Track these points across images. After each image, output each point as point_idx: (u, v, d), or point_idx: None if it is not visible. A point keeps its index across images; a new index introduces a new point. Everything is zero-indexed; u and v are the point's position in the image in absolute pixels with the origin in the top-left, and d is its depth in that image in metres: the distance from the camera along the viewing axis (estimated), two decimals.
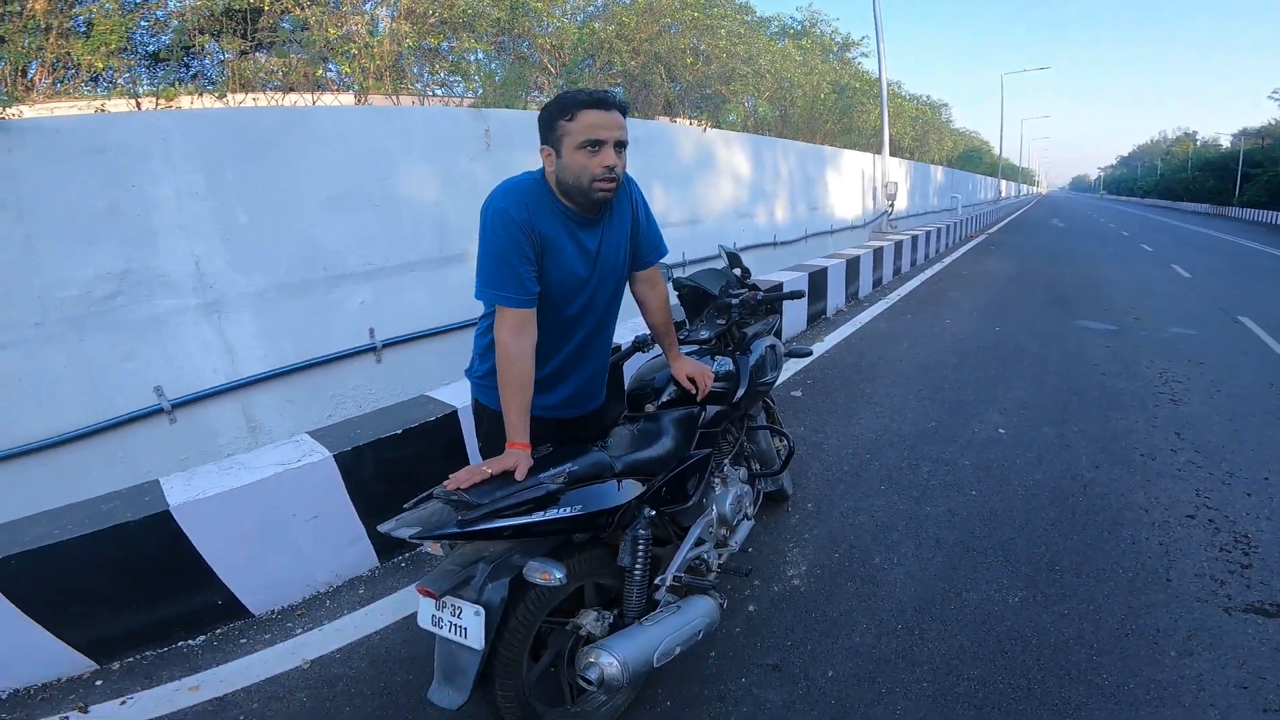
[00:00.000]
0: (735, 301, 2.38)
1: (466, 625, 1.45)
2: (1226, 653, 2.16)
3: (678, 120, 8.48)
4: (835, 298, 7.35)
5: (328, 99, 5.15)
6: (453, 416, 2.76)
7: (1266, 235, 23.00)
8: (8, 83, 4.32)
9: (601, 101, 1.55)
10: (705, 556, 2.11)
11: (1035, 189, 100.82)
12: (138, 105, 4.01)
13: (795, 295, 2.64)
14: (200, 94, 4.70)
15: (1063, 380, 4.96)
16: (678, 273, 2.55)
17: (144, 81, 5.44)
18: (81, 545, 2.06)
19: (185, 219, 3.17)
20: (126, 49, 5.03)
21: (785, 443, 2.69)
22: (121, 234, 2.99)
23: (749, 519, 2.43)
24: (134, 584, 2.21)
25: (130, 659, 2.26)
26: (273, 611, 2.49)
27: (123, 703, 2.09)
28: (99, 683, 2.18)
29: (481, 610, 1.43)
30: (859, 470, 3.47)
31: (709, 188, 7.81)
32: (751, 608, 2.41)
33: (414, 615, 1.80)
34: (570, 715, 1.81)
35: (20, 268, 2.75)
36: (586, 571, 1.74)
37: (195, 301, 3.22)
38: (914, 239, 11.33)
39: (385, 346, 3.97)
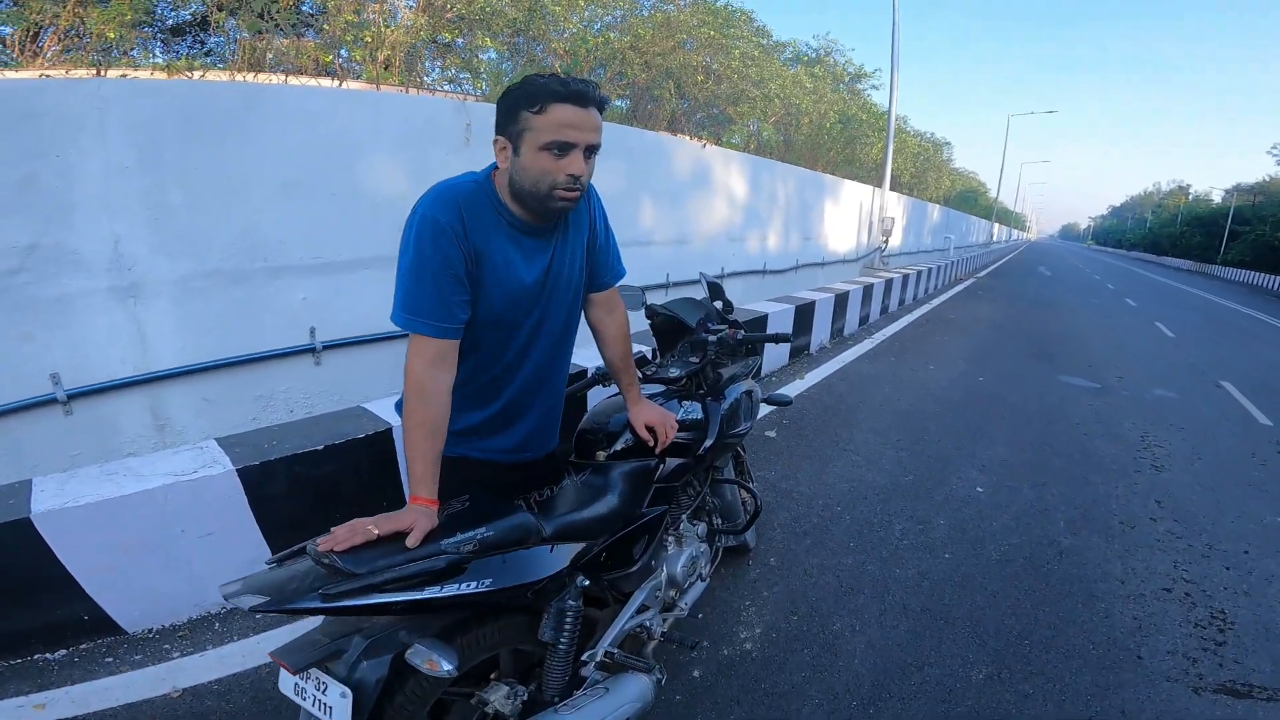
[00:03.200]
0: (713, 339, 2.11)
1: (332, 705, 1.16)
2: None
3: (680, 136, 8.29)
4: (820, 334, 7.16)
5: (326, 84, 4.94)
6: (386, 434, 2.49)
7: (1246, 296, 23.53)
8: (16, 47, 4.14)
9: (579, 96, 1.28)
10: (648, 624, 1.82)
11: (1025, 235, 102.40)
12: (99, 73, 3.75)
13: (781, 339, 2.31)
14: (205, 70, 4.47)
15: (1044, 438, 4.82)
16: (655, 298, 2.27)
17: (157, 55, 5.27)
18: None
19: (110, 196, 2.88)
20: (146, 21, 4.86)
21: (754, 499, 2.39)
22: (35, 207, 2.71)
23: (703, 580, 2.16)
24: None
25: None
26: (150, 630, 2.24)
27: None
28: None
29: (349, 694, 1.15)
30: (828, 524, 3.25)
31: (702, 207, 7.61)
32: (696, 673, 2.18)
33: None
34: None
35: None
36: (497, 642, 1.45)
37: (108, 284, 2.92)
38: (905, 278, 11.23)
39: (326, 348, 3.68)
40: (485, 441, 1.58)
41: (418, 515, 1.26)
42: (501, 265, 1.37)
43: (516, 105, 1.28)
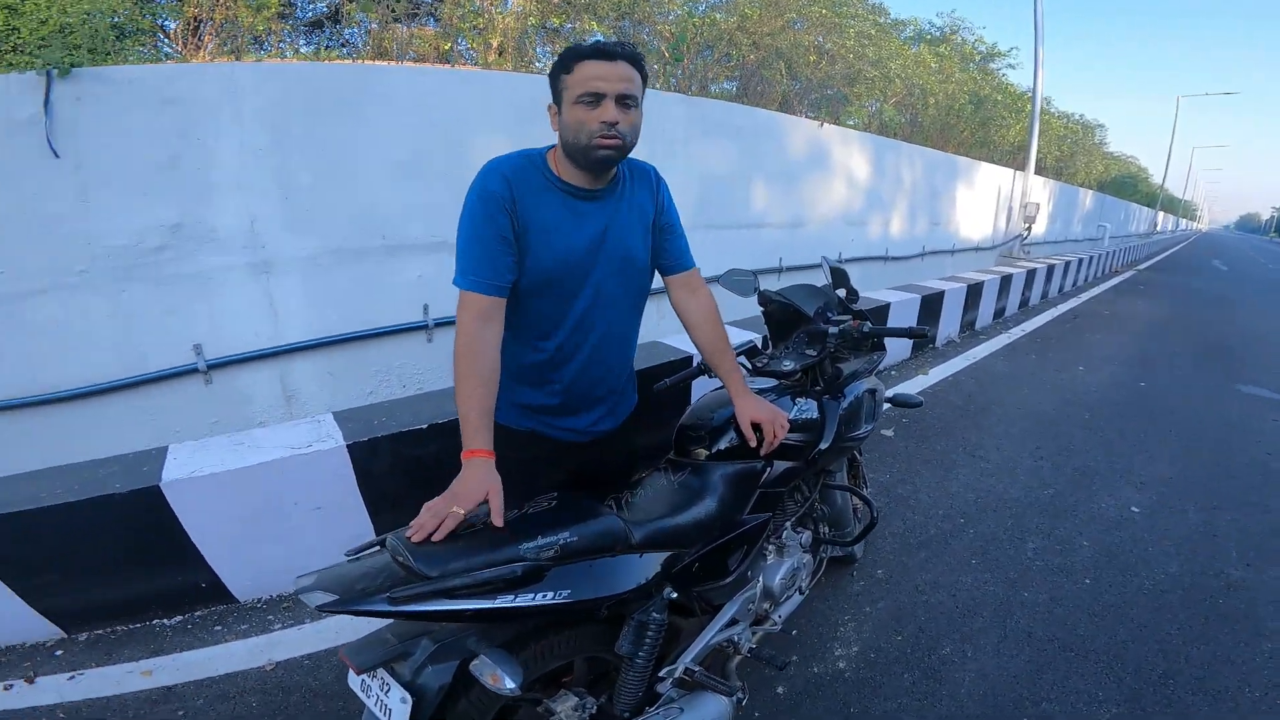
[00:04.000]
0: (834, 330, 1.90)
1: (392, 708, 1.12)
2: None
3: (793, 115, 7.96)
4: (949, 326, 6.62)
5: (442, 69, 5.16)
6: None
7: None
8: (180, 40, 4.53)
9: (603, 51, 1.36)
10: (736, 638, 1.69)
11: (1194, 225, 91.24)
12: (235, 59, 4.06)
13: (916, 334, 1.93)
14: (330, 58, 4.77)
15: (1217, 456, 4.18)
16: (766, 283, 2.10)
17: (300, 47, 5.67)
18: (67, 512, 1.96)
19: (246, 175, 3.08)
20: (285, 14, 5.18)
21: (869, 509, 2.14)
22: (179, 187, 2.93)
23: (801, 593, 1.98)
24: (116, 556, 2.11)
25: (99, 631, 2.18)
26: (259, 600, 2.35)
27: (71, 678, 2.00)
28: (59, 652, 2.11)
29: (409, 699, 1.10)
30: (948, 536, 2.97)
31: (818, 189, 7.23)
32: (779, 689, 2.03)
33: None
34: None
35: (71, 217, 2.72)
36: (571, 651, 1.37)
37: (245, 260, 3.13)
38: (1049, 268, 10.19)
39: (439, 326, 3.77)
40: (555, 419, 1.60)
41: (485, 480, 1.26)
42: (551, 227, 1.43)
43: (556, 72, 1.40)
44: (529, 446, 1.57)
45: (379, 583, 1.09)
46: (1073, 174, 20.98)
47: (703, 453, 1.67)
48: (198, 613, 2.28)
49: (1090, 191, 21.11)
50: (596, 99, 1.34)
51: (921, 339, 2.01)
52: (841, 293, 2.20)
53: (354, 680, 1.21)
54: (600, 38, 6.47)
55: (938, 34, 14.73)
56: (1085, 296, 11.24)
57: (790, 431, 1.69)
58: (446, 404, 2.53)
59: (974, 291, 7.07)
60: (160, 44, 4.65)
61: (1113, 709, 2.04)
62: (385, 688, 1.14)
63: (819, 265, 2.30)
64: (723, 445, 1.66)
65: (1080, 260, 12.51)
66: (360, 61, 4.66)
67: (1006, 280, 8.17)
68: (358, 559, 1.18)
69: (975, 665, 2.19)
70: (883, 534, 2.93)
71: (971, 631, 2.35)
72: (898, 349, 5.77)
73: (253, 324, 3.20)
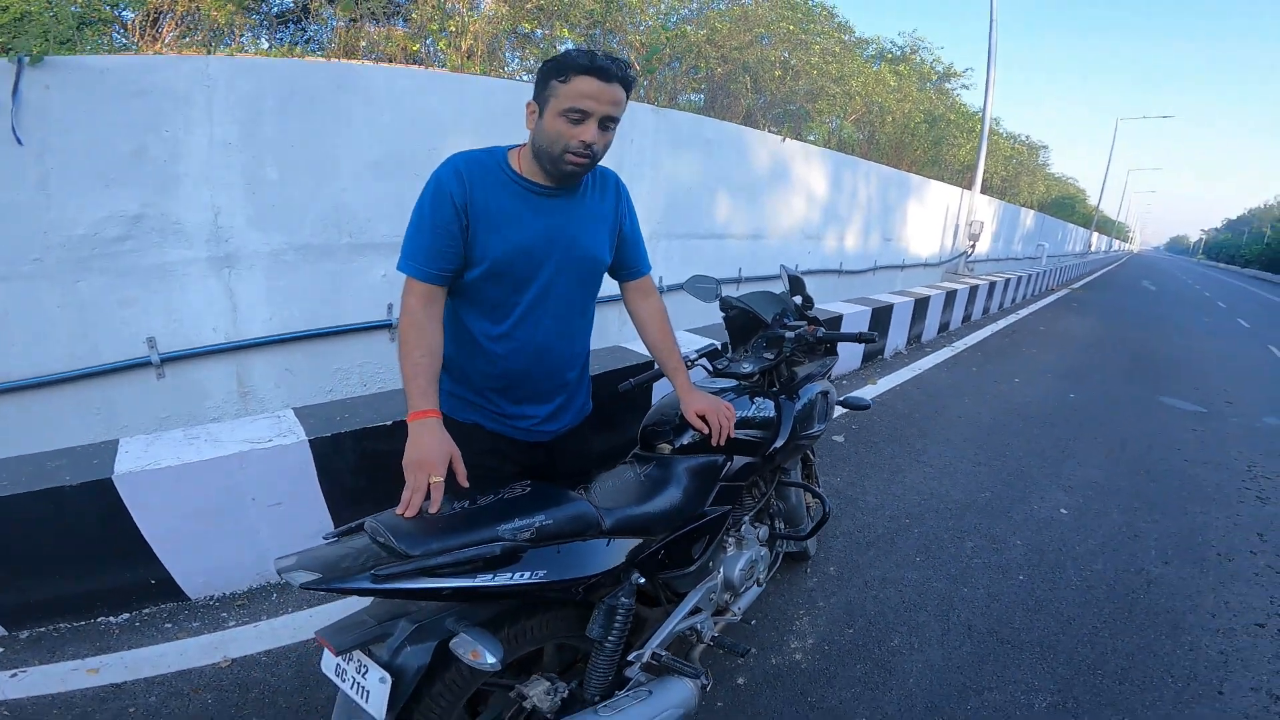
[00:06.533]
0: (790, 335, 2.03)
1: (370, 689, 1.15)
2: None
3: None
4: (896, 338, 6.89)
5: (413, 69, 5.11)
6: None
7: None
8: (137, 31, 4.40)
9: (602, 70, 1.37)
10: (699, 627, 1.77)
11: (1127, 246, 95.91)
12: (207, 52, 3.98)
13: (865, 339, 2.09)
14: (304, 55, 4.69)
15: (1140, 462, 4.47)
16: (729, 291, 2.19)
17: (263, 41, 5.55)
18: (14, 504, 1.90)
19: (213, 169, 3.04)
20: (254, 8, 5.11)
21: (821, 505, 2.28)
22: (143, 178, 2.88)
23: (759, 585, 2.08)
24: (62, 552, 2.05)
25: (43, 629, 2.13)
26: (211, 598, 2.31)
27: (14, 675, 1.95)
28: (0, 650, 2.04)
29: (388, 679, 1.14)
30: (894, 536, 3.11)
31: (779, 202, 7.44)
32: (740, 680, 2.12)
33: None
34: None
35: (30, 205, 2.65)
36: (544, 636, 1.43)
37: (206, 254, 3.08)
38: (991, 285, 10.66)
39: None
40: (500, 409, 1.63)
41: (443, 441, 1.34)
42: (503, 219, 1.47)
43: (549, 74, 1.40)
44: (473, 441, 1.55)
45: (361, 562, 1.13)
46: (1015, 194, 21.85)
47: (667, 447, 1.76)
48: (146, 610, 2.22)
49: (1031, 211, 22.02)
50: (582, 116, 1.38)
51: (870, 343, 2.16)
52: (798, 300, 2.31)
53: (328, 665, 1.24)
54: (571, 44, 6.52)
55: (898, 53, 15.09)
56: (1023, 313, 11.76)
57: (748, 429, 1.80)
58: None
59: (920, 306, 7.36)
60: (114, 35, 4.52)
61: (1048, 697, 2.17)
62: (362, 670, 1.17)
63: (778, 276, 2.42)
64: (685, 440, 1.75)
65: (1020, 278, 13.06)
66: (328, 59, 4.61)
67: (951, 295, 8.51)
68: (337, 541, 1.21)
69: (922, 657, 2.31)
70: (834, 533, 3.06)
71: (917, 624, 2.48)
72: (849, 360, 5.98)
73: (211, 319, 3.15)
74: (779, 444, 1.89)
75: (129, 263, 2.88)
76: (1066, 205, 31.90)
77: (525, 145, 1.51)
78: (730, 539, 1.92)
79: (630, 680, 1.58)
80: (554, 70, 1.39)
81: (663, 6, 8.01)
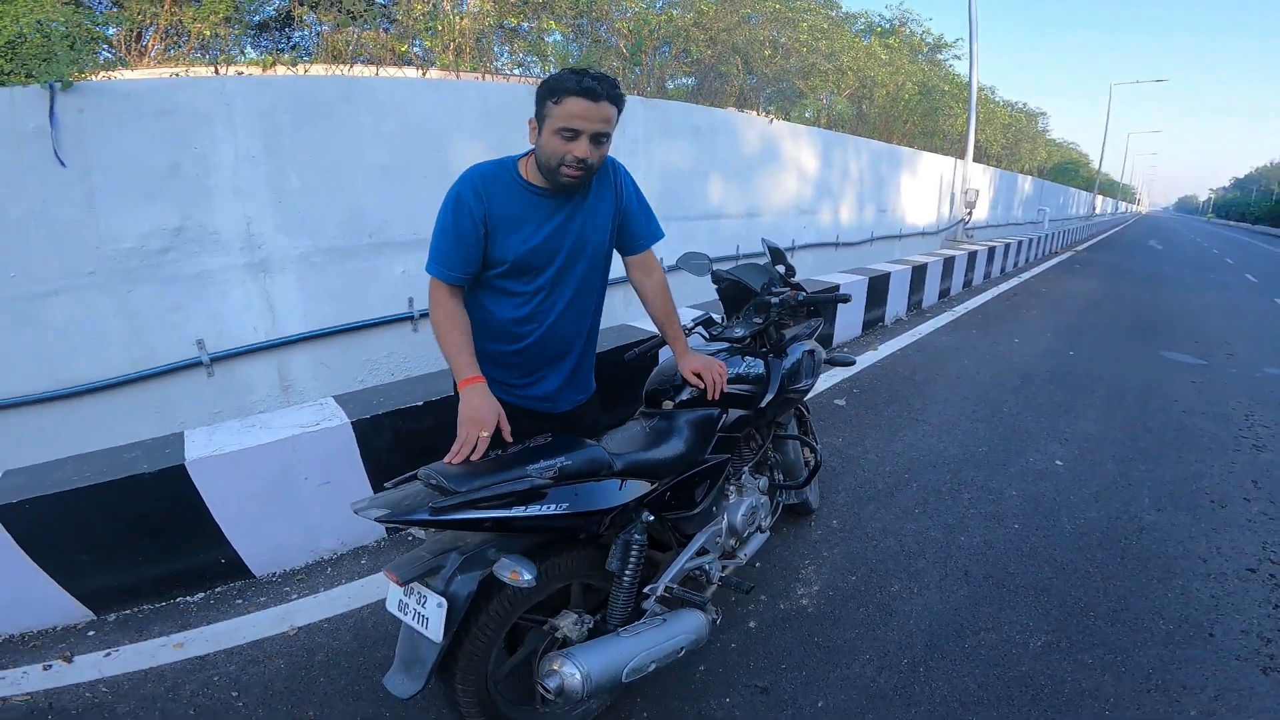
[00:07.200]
0: (775, 300, 2.24)
1: (429, 616, 1.39)
2: (1252, 715, 1.99)
3: (748, 111, 8.25)
4: (896, 305, 7.03)
5: (410, 73, 5.22)
6: None
7: None
8: (122, 47, 4.57)
9: (589, 91, 1.53)
10: (707, 568, 1.99)
11: (1135, 207, 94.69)
12: (215, 71, 4.15)
13: (840, 299, 2.35)
14: (294, 64, 4.85)
15: (1137, 414, 4.59)
16: (720, 266, 2.42)
17: (248, 51, 5.70)
18: (97, 494, 2.09)
19: (241, 181, 3.26)
20: (233, 18, 5.20)
21: (814, 455, 2.52)
22: (179, 193, 3.10)
23: (763, 531, 2.30)
24: (143, 537, 2.25)
25: (128, 611, 2.31)
26: (274, 574, 2.52)
27: (107, 654, 2.12)
28: (91, 633, 2.22)
29: (444, 603, 1.37)
30: (894, 490, 3.29)
31: (771, 182, 7.58)
32: (752, 624, 2.30)
33: None
34: (538, 717, 1.74)
35: (80, 222, 2.87)
36: (571, 572, 1.66)
37: (243, 260, 3.32)
38: (990, 250, 10.74)
39: (423, 317, 4.01)
40: (515, 388, 1.82)
41: (492, 402, 1.57)
42: (517, 221, 1.67)
43: (544, 96, 1.57)
44: None
45: (419, 500, 1.37)
46: (1017, 161, 21.73)
47: (669, 404, 1.99)
48: (218, 588, 2.42)
49: (1029, 177, 21.89)
50: (575, 134, 1.54)
51: (844, 301, 2.40)
52: (781, 268, 2.52)
53: (392, 603, 1.48)
54: (559, 36, 6.63)
55: (887, 26, 15.01)
56: (1025, 276, 11.80)
57: (741, 384, 2.03)
58: (437, 384, 2.76)
59: (919, 273, 7.49)
60: (100, 52, 4.65)
61: (1042, 638, 2.28)
62: (422, 599, 1.41)
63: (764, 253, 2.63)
64: (684, 396, 1.98)
65: (1020, 243, 13.09)
66: (328, 70, 4.79)
67: (950, 262, 8.62)
68: (397, 488, 1.45)
69: (921, 600, 2.45)
70: (836, 489, 3.24)
71: (916, 571, 2.63)
72: (850, 328, 6.14)
73: (251, 319, 3.38)
74: (770, 397, 2.11)
75: (173, 271, 3.12)
76: (1069, 170, 31.65)
77: (532, 154, 1.68)
78: (732, 487, 2.14)
79: (647, 612, 1.80)
80: (548, 92, 1.56)
81: None
